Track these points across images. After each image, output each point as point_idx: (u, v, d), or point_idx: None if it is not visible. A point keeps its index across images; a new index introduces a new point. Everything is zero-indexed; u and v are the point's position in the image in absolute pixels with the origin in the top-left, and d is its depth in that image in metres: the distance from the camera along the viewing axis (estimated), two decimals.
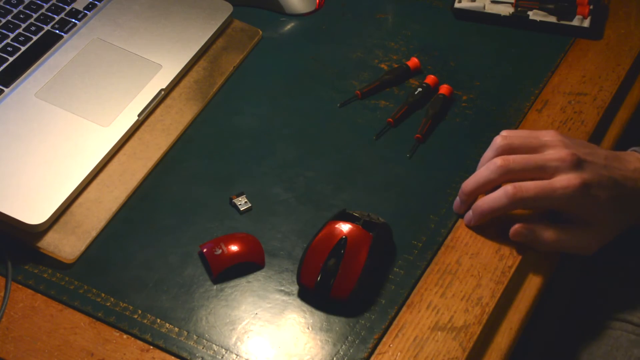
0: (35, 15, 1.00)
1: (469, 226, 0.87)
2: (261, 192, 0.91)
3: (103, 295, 0.82)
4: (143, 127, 0.95)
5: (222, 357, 0.78)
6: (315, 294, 0.82)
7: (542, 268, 0.86)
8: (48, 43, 0.99)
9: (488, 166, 0.85)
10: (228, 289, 0.83)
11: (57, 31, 1.00)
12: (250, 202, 0.89)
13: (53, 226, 0.86)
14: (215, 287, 0.83)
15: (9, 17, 0.99)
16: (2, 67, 0.95)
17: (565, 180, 0.82)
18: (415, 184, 0.92)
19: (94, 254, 0.85)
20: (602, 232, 0.85)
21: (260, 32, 1.07)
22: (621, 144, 0.98)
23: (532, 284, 0.85)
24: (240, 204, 0.89)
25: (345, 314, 0.81)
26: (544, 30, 1.07)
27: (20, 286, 0.83)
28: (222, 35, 1.05)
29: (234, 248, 0.84)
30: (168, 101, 0.98)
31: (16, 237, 0.85)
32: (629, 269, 0.98)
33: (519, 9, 1.08)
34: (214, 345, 0.79)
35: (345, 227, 0.82)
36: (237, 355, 0.78)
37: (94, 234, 0.86)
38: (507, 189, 0.83)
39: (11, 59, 0.96)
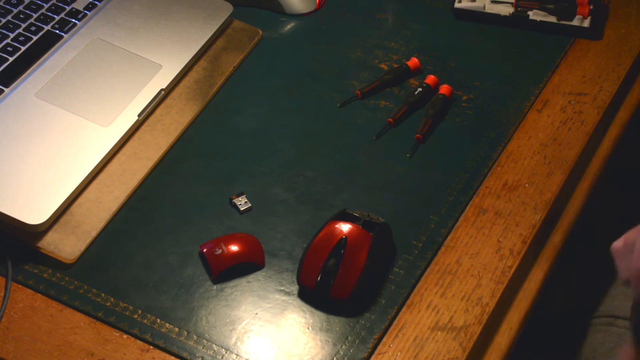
0: (35, 15, 1.00)
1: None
2: (261, 192, 0.91)
3: (103, 295, 0.82)
4: (143, 127, 0.95)
5: (222, 357, 0.78)
6: (315, 294, 0.82)
7: (542, 268, 0.86)
8: (48, 43, 0.99)
9: None
10: (228, 289, 0.83)
11: (57, 31, 1.00)
12: (250, 202, 0.89)
13: (53, 226, 0.86)
14: (215, 287, 0.83)
15: (9, 17, 0.99)
16: (2, 67, 0.95)
17: None
18: (415, 184, 0.92)
19: (94, 254, 0.85)
20: None
21: (260, 32, 1.07)
22: (621, 144, 0.98)
23: (532, 284, 0.85)
24: (240, 204, 0.89)
25: (345, 314, 0.81)
26: (544, 30, 1.07)
27: (20, 286, 0.83)
28: (222, 35, 1.05)
29: (234, 248, 0.84)
30: (168, 101, 0.98)
31: (16, 237, 0.85)
32: None
33: (519, 9, 1.08)
34: (214, 345, 0.79)
35: (345, 227, 0.82)
36: (237, 355, 0.78)
37: (94, 234, 0.86)
38: None
39: (11, 59, 0.96)
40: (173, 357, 0.79)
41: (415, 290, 0.83)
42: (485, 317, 0.81)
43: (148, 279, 0.84)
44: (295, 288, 0.83)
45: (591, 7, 1.06)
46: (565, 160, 0.94)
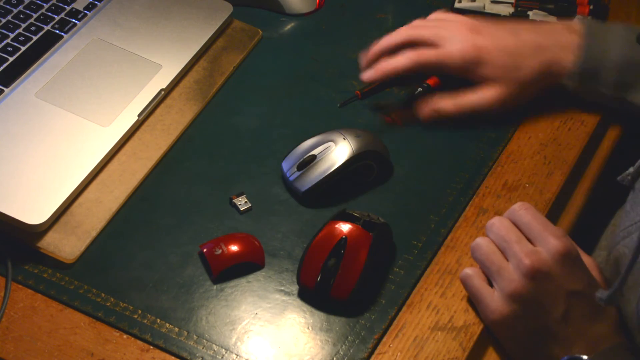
0: (35, 15, 1.00)
1: (366, 81, 0.97)
2: (261, 192, 0.91)
3: (103, 295, 0.82)
4: (143, 127, 0.95)
5: (222, 357, 0.78)
6: (315, 294, 0.82)
7: None
8: (48, 43, 0.99)
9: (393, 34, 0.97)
10: (228, 289, 0.83)
11: (57, 31, 1.00)
12: (250, 202, 0.89)
13: (53, 226, 0.86)
14: (215, 287, 0.83)
15: (9, 17, 0.99)
16: (2, 67, 0.95)
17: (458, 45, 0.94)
18: (415, 184, 0.92)
19: (94, 254, 0.85)
20: (506, 86, 0.94)
21: (260, 32, 1.07)
22: (621, 144, 0.98)
23: None
24: (240, 204, 0.89)
25: (345, 314, 0.81)
26: None
27: (20, 286, 0.83)
28: (222, 35, 1.05)
29: (234, 248, 0.84)
30: (168, 101, 0.98)
31: (16, 237, 0.85)
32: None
33: (519, 9, 1.08)
34: (214, 345, 0.79)
35: (345, 227, 0.82)
36: (237, 355, 0.79)
37: (94, 234, 0.86)
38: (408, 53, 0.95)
39: (11, 59, 0.96)
40: (173, 357, 0.79)
41: (415, 290, 0.83)
42: None
43: (148, 279, 0.84)
44: (295, 288, 0.83)
45: (591, 7, 1.06)
46: (565, 160, 0.94)
